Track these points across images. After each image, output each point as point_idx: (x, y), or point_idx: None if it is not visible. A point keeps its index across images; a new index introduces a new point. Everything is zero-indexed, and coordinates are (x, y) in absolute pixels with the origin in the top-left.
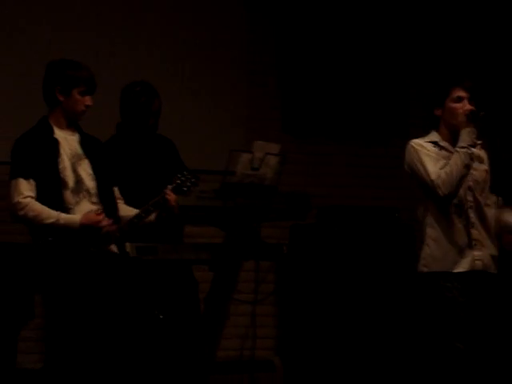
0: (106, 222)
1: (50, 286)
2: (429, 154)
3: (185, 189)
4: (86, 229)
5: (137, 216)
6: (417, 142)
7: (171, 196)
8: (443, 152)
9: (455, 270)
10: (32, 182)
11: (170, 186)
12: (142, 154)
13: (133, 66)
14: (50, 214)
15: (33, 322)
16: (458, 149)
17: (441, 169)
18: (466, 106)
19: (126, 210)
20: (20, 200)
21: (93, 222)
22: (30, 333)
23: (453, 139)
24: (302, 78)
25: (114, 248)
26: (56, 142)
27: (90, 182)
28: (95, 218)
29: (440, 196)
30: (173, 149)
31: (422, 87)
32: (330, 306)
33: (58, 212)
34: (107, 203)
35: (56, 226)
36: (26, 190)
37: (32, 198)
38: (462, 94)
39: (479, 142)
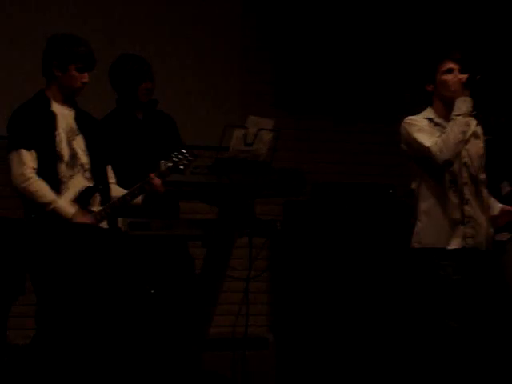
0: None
1: (38, 261)
2: (422, 129)
3: (181, 167)
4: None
5: (122, 198)
6: (411, 118)
7: (156, 181)
8: (438, 128)
9: (446, 247)
10: (33, 153)
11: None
12: (141, 128)
13: (128, 43)
14: (47, 195)
15: (24, 297)
16: (453, 117)
17: (437, 137)
18: (458, 75)
19: (117, 191)
20: (25, 171)
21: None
22: (20, 308)
23: (448, 113)
24: (295, 53)
25: (103, 224)
26: (53, 116)
27: (84, 158)
28: (89, 222)
29: (438, 163)
30: (173, 126)
31: (415, 65)
32: (324, 283)
33: (56, 197)
34: (99, 180)
35: (46, 209)
36: (29, 161)
37: (35, 169)
38: (452, 65)
39: (474, 112)
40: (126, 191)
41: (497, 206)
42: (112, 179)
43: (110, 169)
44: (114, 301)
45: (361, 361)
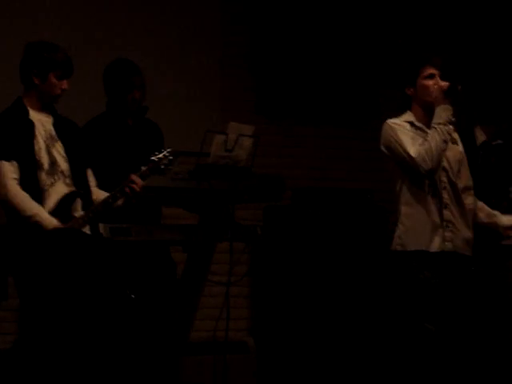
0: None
1: (22, 266)
2: (406, 133)
3: (162, 167)
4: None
5: (104, 202)
6: (393, 121)
7: (137, 181)
8: (419, 132)
9: (426, 250)
10: (14, 163)
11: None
12: (131, 134)
13: (108, 49)
14: (29, 209)
15: (6, 302)
16: (434, 125)
17: (420, 146)
18: (440, 82)
19: (98, 194)
20: (5, 184)
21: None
22: (2, 313)
23: (427, 118)
24: (275, 60)
25: (86, 229)
26: (31, 124)
27: (63, 164)
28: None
29: (422, 173)
30: (159, 135)
31: (395, 68)
32: (304, 288)
33: (39, 210)
34: (80, 185)
35: (29, 221)
36: (10, 172)
37: (16, 180)
38: (433, 71)
39: (454, 119)
40: (107, 194)
41: (506, 218)
42: (93, 182)
43: (90, 172)
44: (95, 305)
45: (341, 363)
